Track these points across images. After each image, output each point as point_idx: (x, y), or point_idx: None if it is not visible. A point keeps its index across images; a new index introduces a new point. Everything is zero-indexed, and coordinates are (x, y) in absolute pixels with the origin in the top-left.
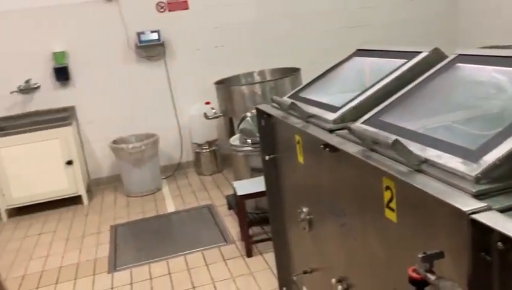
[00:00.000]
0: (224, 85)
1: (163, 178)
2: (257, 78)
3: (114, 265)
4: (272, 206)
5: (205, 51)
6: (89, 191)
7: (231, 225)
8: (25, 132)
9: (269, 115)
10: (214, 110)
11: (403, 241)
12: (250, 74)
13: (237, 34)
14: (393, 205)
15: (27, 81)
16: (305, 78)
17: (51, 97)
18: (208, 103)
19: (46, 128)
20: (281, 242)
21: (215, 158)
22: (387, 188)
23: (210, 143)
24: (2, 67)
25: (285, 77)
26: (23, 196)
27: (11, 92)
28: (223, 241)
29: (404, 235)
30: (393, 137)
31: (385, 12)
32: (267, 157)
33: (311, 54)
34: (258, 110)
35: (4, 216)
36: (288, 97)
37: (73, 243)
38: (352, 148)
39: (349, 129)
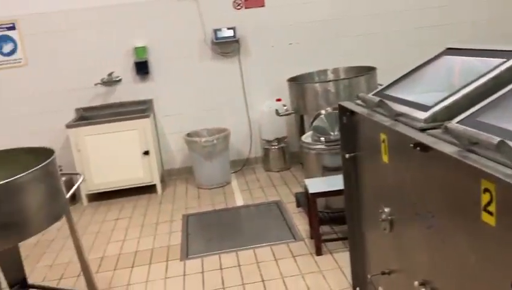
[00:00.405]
0: (297, 82)
1: (232, 172)
2: (330, 76)
3: (186, 253)
4: (349, 205)
5: (279, 48)
6: (162, 181)
7: (299, 222)
8: (106, 122)
9: (352, 112)
10: (285, 107)
11: (501, 248)
12: (323, 72)
13: (312, 32)
14: (491, 208)
15: (110, 74)
16: (381, 78)
17: (131, 90)
18: (279, 100)
19: (126, 119)
20: (357, 242)
21: (284, 155)
22: (486, 190)
23: (279, 140)
24: (88, 60)
25: (360, 76)
26: (102, 182)
27: (95, 84)
28: (291, 238)
29: (503, 241)
30: (498, 138)
31: (462, 12)
32: (347, 156)
33: (387, 53)
34: (340, 107)
35: (85, 200)
36: (373, 95)
37: (148, 230)
38: (448, 148)
39: (446, 128)
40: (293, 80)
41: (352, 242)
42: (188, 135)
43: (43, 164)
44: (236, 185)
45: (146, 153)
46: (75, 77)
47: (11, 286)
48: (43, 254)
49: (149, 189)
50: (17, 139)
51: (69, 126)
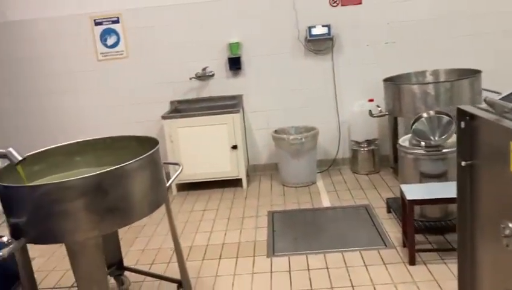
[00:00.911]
0: (394, 83)
1: (318, 172)
2: (429, 78)
3: (272, 250)
4: (462, 216)
5: (374, 47)
6: (247, 175)
7: (390, 229)
8: (198, 115)
9: (472, 117)
10: (379, 108)
11: None
12: (421, 73)
13: (410, 31)
14: None
15: (204, 69)
16: (486, 82)
17: (222, 85)
18: (371, 100)
19: (217, 113)
20: (467, 255)
21: (373, 158)
22: None
23: (369, 142)
24: (184, 55)
25: (463, 79)
26: (192, 173)
27: (190, 78)
28: (382, 245)
29: None
30: None
31: None
32: (463, 163)
33: (493, 55)
34: (459, 110)
35: (174, 189)
36: (501, 99)
37: (234, 223)
38: None
39: None
40: (389, 80)
41: (462, 255)
42: (276, 131)
43: (149, 153)
44: (322, 186)
45: (234, 147)
46: (172, 70)
47: (108, 266)
48: (136, 239)
49: (235, 183)
50: (117, 126)
51: (164, 117)
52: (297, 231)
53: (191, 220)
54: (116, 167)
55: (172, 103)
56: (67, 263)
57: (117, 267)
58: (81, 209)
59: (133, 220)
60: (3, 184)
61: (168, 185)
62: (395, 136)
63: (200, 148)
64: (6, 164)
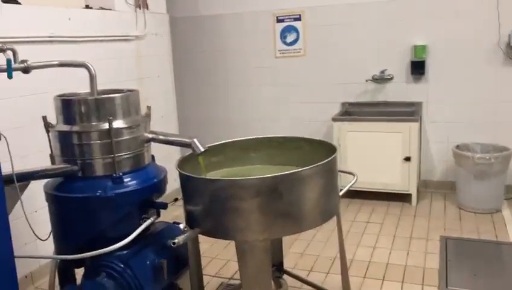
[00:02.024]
0: None
1: (505, 199)
2: None
3: (445, 282)
4: None
5: None
6: (417, 191)
7: None
8: (371, 120)
9: None
10: None
11: None
12: None
13: None
14: None
15: (382, 72)
16: None
17: (401, 90)
18: None
19: (392, 120)
20: None
21: None
22: None
23: None
24: (362, 56)
25: None
26: (359, 181)
27: (366, 80)
28: None
29: None
30: None
31: None
32: None
33: None
34: None
35: None
36: None
37: (400, 243)
38: None
39: None
40: None
41: None
42: (457, 147)
43: (327, 159)
44: (509, 215)
45: (407, 159)
46: (347, 71)
47: None
48: (295, 241)
49: (402, 197)
50: (285, 124)
51: (334, 119)
52: (477, 266)
53: (353, 231)
54: (294, 171)
55: (343, 104)
56: (229, 252)
57: (277, 268)
58: (254, 210)
59: (303, 228)
60: (185, 173)
61: (341, 194)
62: None
63: (368, 156)
64: (188, 153)
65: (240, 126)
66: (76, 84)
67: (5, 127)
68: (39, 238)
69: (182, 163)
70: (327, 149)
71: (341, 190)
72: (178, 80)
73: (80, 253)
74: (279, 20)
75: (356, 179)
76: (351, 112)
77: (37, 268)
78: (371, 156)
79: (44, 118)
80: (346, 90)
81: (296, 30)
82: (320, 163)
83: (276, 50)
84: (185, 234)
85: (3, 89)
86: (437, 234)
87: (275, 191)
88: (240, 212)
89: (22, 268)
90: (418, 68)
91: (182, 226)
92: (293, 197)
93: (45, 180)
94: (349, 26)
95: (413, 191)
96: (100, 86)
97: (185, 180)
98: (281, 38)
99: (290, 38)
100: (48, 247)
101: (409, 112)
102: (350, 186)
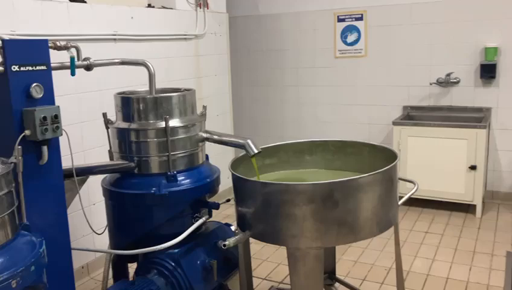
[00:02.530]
0: None
1: None
2: None
3: None
4: None
5: None
6: (482, 202)
7: None
8: (435, 125)
9: None
10: None
11: None
12: None
13: None
14: None
15: (448, 75)
16: None
17: (468, 94)
18: None
19: (458, 126)
20: None
21: None
22: None
23: None
24: (427, 57)
25: None
26: (419, 188)
27: (430, 84)
28: None
29: None
30: None
31: None
32: None
33: None
34: None
35: None
36: None
37: (462, 257)
38: None
39: None
40: None
41: None
42: None
43: (387, 167)
44: None
45: (472, 167)
46: (410, 73)
47: None
48: (349, 248)
49: (465, 208)
50: (342, 126)
51: (395, 123)
52: None
53: (410, 240)
54: (352, 178)
55: (405, 108)
56: (280, 255)
57: (329, 276)
58: (308, 217)
59: (359, 238)
60: (238, 175)
61: (400, 203)
62: None
63: (430, 162)
64: (241, 154)
65: (295, 128)
66: (138, 81)
67: (68, 122)
68: (95, 232)
69: (235, 164)
70: (387, 155)
71: (400, 198)
72: (234, 79)
73: (134, 248)
74: (340, 20)
75: (417, 188)
76: (413, 116)
77: (93, 260)
78: (433, 162)
79: (104, 115)
80: (408, 93)
81: (357, 30)
82: (380, 170)
83: (336, 50)
84: (236, 237)
85: (67, 86)
86: (503, 249)
87: (330, 198)
88: (293, 218)
89: (79, 259)
90: (488, 72)
91: (233, 228)
92: (349, 206)
93: (103, 175)
94: (413, 27)
95: (478, 201)
96: (160, 84)
97: (237, 182)
98: (341, 38)
99: (351, 38)
100: (104, 240)
101: (475, 117)
102: (410, 196)
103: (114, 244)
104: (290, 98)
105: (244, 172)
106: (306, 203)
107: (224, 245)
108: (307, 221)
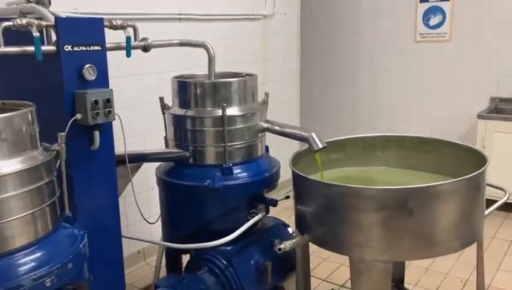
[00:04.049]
0: None
1: None
2: None
3: None
4: None
5: None
6: None
7: None
8: None
9: None
10: None
11: None
12: None
13: None
14: None
15: None
16: None
17: None
18: None
19: None
20: None
21: None
22: None
23: None
24: None
25: None
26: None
27: None
28: None
29: None
30: None
31: None
32: None
33: None
34: None
35: None
36: None
37: None
38: None
39: None
40: None
41: None
42: None
43: (474, 173)
44: None
45: None
46: (502, 60)
47: None
48: None
49: None
50: (419, 118)
51: (480, 116)
52: None
53: (492, 250)
54: (431, 184)
55: (493, 99)
56: (342, 255)
57: (396, 285)
58: (376, 225)
59: (435, 253)
60: (299, 172)
61: (486, 213)
62: None
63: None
64: (305, 147)
65: (366, 118)
66: (199, 64)
67: (122, 105)
68: (147, 221)
69: (297, 158)
70: (472, 157)
71: (487, 207)
72: (304, 62)
73: (187, 241)
74: (422, 0)
75: (508, 197)
76: (502, 109)
77: (150, 245)
78: None
79: (161, 99)
80: (498, 84)
81: (442, 11)
82: (465, 177)
83: (417, 34)
84: (293, 240)
85: (123, 67)
86: None
87: (403, 206)
88: (358, 225)
89: (136, 244)
90: None
91: (290, 230)
92: (426, 216)
93: (158, 163)
94: (507, 7)
95: None
96: (223, 67)
97: (297, 179)
98: (423, 20)
99: (434, 20)
100: (159, 227)
101: None
102: (499, 205)
103: (166, 235)
104: (362, 85)
105: (306, 168)
106: (375, 211)
107: (280, 249)
108: (375, 230)
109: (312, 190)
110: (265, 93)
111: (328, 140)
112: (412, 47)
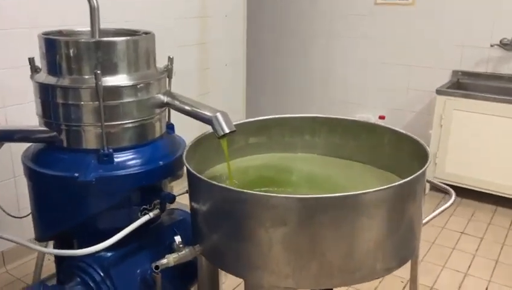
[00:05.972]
0: None
1: None
2: None
3: None
4: None
5: None
6: None
7: None
8: (490, 99)
9: None
10: None
11: None
12: None
13: None
14: None
15: None
16: None
17: None
18: None
19: None
20: None
21: None
22: None
23: None
24: (490, 12)
25: None
26: (458, 174)
27: (491, 45)
28: None
29: None
30: None
31: None
32: None
33: None
34: None
35: (427, 186)
36: None
37: (504, 273)
38: None
39: None
40: None
41: None
42: None
43: (408, 179)
44: None
45: None
46: (467, 30)
47: None
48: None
49: None
50: (372, 90)
51: (439, 92)
52: None
53: (440, 242)
54: (346, 194)
55: (455, 73)
56: None
57: None
58: (276, 243)
59: (353, 280)
60: (190, 169)
61: (424, 222)
62: None
63: (478, 145)
64: (208, 132)
65: (318, 87)
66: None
67: None
68: (11, 216)
69: (196, 146)
70: (415, 148)
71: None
72: (252, 24)
73: (66, 241)
74: None
75: (454, 200)
76: (463, 84)
77: (13, 247)
78: (482, 145)
79: (31, 61)
80: (461, 55)
81: None
82: (394, 184)
83: None
84: (179, 252)
85: None
86: None
87: (311, 219)
88: (255, 242)
89: None
90: None
91: (177, 239)
92: (340, 233)
93: (26, 145)
94: None
95: None
96: (155, 25)
97: (190, 176)
98: None
99: None
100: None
101: None
102: (440, 213)
103: (37, 234)
104: (318, 53)
105: (210, 158)
106: (273, 224)
107: (157, 267)
108: (275, 249)
109: (204, 191)
110: (169, 57)
111: (248, 120)
112: (370, 9)
